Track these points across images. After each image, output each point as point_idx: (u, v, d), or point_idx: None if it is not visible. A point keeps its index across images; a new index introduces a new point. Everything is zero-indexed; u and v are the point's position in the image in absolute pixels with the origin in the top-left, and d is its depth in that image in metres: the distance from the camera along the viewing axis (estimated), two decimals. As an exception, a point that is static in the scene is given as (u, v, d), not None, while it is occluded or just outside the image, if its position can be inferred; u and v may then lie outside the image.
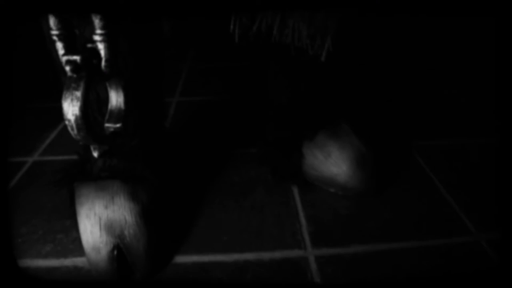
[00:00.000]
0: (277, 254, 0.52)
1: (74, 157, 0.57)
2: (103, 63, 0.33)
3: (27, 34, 0.88)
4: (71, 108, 0.31)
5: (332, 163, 0.61)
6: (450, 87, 0.99)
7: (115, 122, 0.39)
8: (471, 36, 1.10)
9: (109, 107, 0.39)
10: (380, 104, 0.92)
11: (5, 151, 0.42)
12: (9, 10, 0.30)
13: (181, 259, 0.52)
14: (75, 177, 0.54)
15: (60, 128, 0.88)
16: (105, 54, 0.32)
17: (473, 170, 0.68)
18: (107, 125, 0.39)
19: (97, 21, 0.31)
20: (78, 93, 0.31)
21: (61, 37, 0.32)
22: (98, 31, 0.31)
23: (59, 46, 0.32)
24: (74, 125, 0.32)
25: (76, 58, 0.31)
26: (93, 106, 0.48)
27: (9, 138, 0.44)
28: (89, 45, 0.33)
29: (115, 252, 0.47)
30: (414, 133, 0.80)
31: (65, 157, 0.75)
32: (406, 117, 0.87)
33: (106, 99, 0.39)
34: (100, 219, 0.48)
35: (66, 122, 0.33)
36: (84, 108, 0.31)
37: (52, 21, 0.31)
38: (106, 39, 0.32)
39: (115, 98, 0.38)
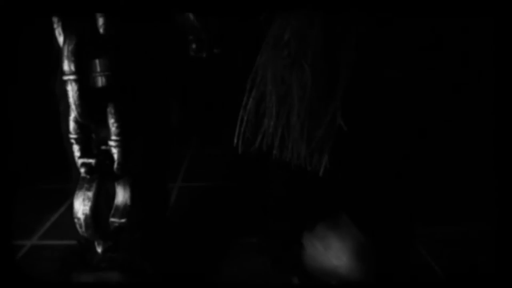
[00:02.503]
0: None
1: (74, 242, 0.57)
2: (115, 165, 0.35)
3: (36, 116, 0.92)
4: (81, 208, 0.33)
5: (333, 254, 0.61)
6: (447, 172, 1.01)
7: (120, 218, 0.40)
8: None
9: (115, 202, 0.41)
10: (379, 192, 0.93)
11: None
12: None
13: None
14: (74, 266, 0.53)
15: (62, 211, 0.88)
16: (118, 158, 0.35)
17: (474, 257, 0.68)
18: (112, 220, 0.40)
19: (113, 129, 0.34)
20: (90, 194, 0.33)
21: (78, 141, 0.34)
22: (114, 137, 0.34)
23: (76, 148, 0.35)
24: (83, 224, 0.33)
25: (91, 161, 0.33)
26: (101, 200, 0.49)
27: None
28: (103, 147, 0.36)
29: None
30: (414, 220, 0.80)
31: (65, 242, 0.74)
32: (405, 203, 0.87)
33: (114, 194, 0.41)
34: (96, 313, 0.47)
35: (75, 220, 0.34)
36: (94, 208, 0.32)
37: (71, 126, 0.34)
38: (121, 145, 0.34)
39: (122, 195, 0.40)
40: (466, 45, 0.84)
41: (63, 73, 0.31)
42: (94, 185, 0.33)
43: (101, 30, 0.33)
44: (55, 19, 0.34)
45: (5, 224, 0.42)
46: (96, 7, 0.32)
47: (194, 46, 0.41)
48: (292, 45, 0.41)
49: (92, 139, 0.35)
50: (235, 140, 0.45)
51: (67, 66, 0.30)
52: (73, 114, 0.33)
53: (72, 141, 0.34)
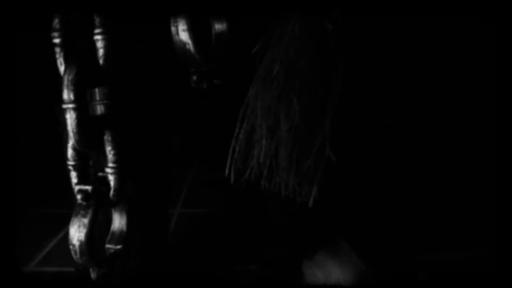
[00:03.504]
0: None
1: (72, 269, 0.56)
2: (111, 192, 0.35)
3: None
4: (77, 234, 0.33)
5: (333, 283, 0.60)
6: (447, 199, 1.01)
7: (116, 244, 0.40)
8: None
9: (111, 229, 0.41)
10: (378, 219, 0.92)
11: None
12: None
13: None
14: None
15: (60, 237, 0.87)
16: (114, 185, 0.35)
17: (474, 284, 0.67)
18: (107, 246, 0.40)
19: (110, 156, 0.34)
20: (86, 220, 0.33)
21: (75, 168, 0.35)
22: (110, 164, 0.35)
23: (73, 175, 0.35)
24: (78, 250, 0.33)
25: (88, 188, 0.34)
26: (102, 227, 0.49)
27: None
28: (100, 174, 0.36)
29: None
30: (414, 247, 0.79)
31: (63, 269, 0.73)
32: (405, 230, 0.87)
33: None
34: None
35: (70, 247, 0.34)
36: (89, 235, 0.33)
37: (69, 153, 0.35)
38: (117, 172, 0.35)
39: (118, 220, 0.40)
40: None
41: (62, 101, 0.32)
42: (90, 212, 0.33)
43: (100, 61, 0.35)
44: (57, 49, 0.35)
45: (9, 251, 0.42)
46: (94, 8, 0.33)
47: (195, 78, 0.43)
48: (281, 77, 0.42)
49: (89, 166, 0.36)
50: (227, 171, 0.46)
51: (66, 95, 0.31)
52: (71, 142, 0.34)
53: (70, 167, 0.35)
